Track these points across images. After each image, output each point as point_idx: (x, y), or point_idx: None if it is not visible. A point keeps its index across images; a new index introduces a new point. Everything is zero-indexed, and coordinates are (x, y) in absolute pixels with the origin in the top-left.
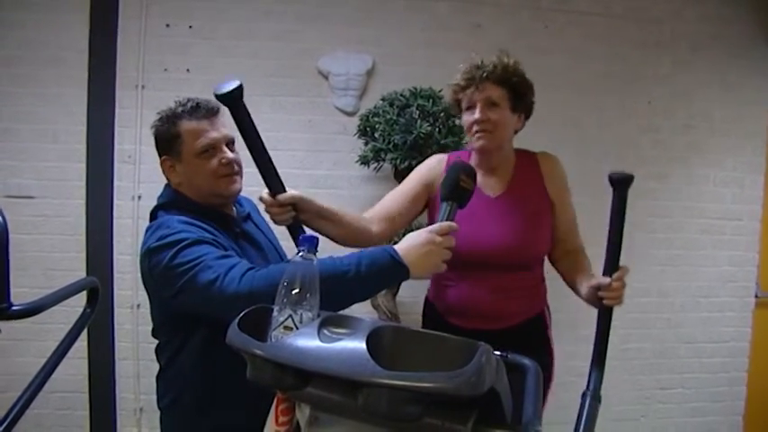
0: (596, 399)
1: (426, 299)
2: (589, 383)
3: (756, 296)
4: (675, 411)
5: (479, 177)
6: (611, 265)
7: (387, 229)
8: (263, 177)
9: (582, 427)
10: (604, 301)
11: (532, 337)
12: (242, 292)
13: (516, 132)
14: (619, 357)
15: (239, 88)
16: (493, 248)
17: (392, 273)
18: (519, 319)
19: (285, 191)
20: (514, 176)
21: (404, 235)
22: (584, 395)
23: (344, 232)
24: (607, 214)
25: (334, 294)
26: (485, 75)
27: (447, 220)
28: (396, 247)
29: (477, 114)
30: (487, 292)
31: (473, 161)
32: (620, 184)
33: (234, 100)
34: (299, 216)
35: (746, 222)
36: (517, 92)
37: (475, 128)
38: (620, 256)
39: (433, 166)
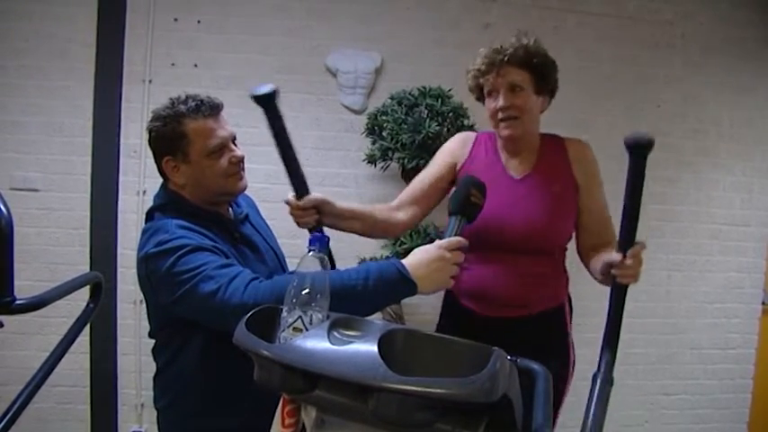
0: (608, 382)
1: None
2: (600, 365)
3: (763, 303)
4: (679, 418)
5: (504, 159)
6: (626, 240)
7: (415, 214)
8: (291, 179)
9: (592, 412)
10: (617, 279)
11: (551, 331)
12: (246, 303)
13: (542, 112)
14: (623, 362)
15: (275, 92)
16: (514, 230)
17: (400, 288)
18: (537, 309)
19: (309, 194)
20: (540, 159)
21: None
22: (594, 378)
23: (369, 227)
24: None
25: (341, 308)
26: (505, 58)
27: (455, 234)
28: (404, 261)
29: (500, 101)
30: (505, 275)
31: (499, 144)
32: (637, 148)
33: (270, 102)
34: (323, 219)
35: (754, 228)
36: (540, 73)
37: (500, 115)
38: (637, 230)
39: (454, 151)
